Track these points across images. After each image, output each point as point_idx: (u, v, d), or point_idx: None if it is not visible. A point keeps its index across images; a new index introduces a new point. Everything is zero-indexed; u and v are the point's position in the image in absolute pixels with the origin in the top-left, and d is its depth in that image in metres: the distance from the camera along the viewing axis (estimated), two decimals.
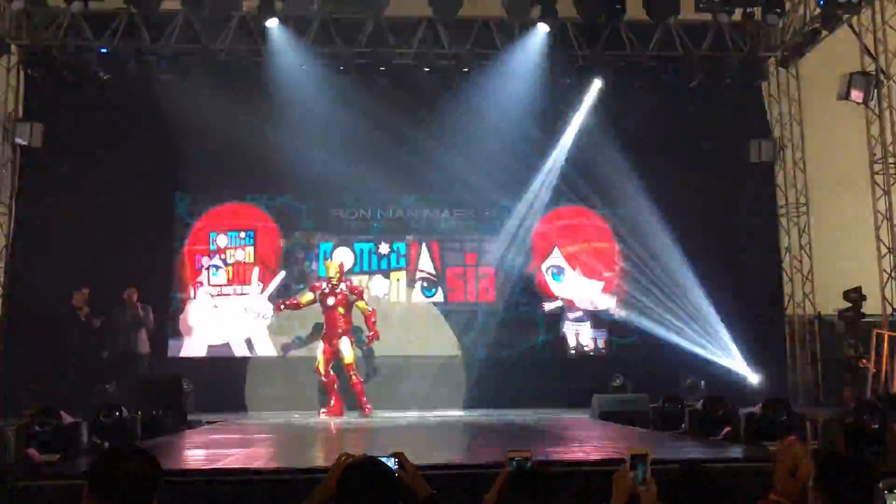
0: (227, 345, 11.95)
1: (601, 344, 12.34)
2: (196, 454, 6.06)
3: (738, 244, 12.35)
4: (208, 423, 8.96)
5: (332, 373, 10.54)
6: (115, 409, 7.01)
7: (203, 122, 11.53)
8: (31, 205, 12.06)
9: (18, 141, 11.75)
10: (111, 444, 2.11)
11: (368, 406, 10.41)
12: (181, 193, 12.27)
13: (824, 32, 11.51)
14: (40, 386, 10.77)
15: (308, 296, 10.98)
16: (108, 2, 11.13)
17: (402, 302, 12.27)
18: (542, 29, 11.56)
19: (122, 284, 11.02)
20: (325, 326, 10.68)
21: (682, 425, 7.87)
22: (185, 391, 8.71)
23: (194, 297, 12.05)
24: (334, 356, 10.49)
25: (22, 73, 12.13)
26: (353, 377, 10.43)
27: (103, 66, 11.75)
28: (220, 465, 4.94)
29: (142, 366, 10.62)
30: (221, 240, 12.24)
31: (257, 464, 5.11)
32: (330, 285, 10.65)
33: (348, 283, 10.88)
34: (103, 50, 11.64)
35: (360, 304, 10.70)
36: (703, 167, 11.99)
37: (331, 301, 10.55)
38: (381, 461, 2.75)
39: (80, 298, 10.84)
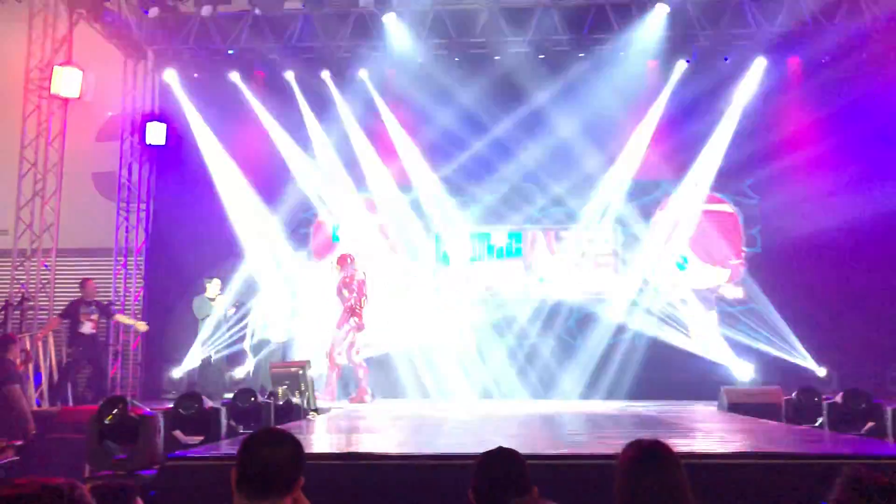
0: None
1: (726, 334, 11.90)
2: (330, 438, 6.27)
3: None
4: (335, 409, 9.26)
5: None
6: (251, 395, 7.35)
7: (325, 117, 12.05)
8: (162, 201, 12.80)
9: (151, 141, 12.46)
10: (258, 429, 2.20)
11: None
12: (308, 188, 12.61)
13: None
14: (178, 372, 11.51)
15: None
16: (234, 4, 11.60)
17: (518, 291, 12.24)
18: (662, 10, 11.22)
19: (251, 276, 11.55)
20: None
21: (819, 419, 7.49)
22: (311, 378, 8.99)
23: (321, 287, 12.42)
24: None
25: (157, 77, 12.85)
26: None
27: (230, 67, 12.29)
28: (354, 448, 5.08)
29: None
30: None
31: (395, 449, 5.23)
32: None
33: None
34: (230, 51, 12.15)
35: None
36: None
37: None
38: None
39: (214, 288, 11.38)
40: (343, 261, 10.59)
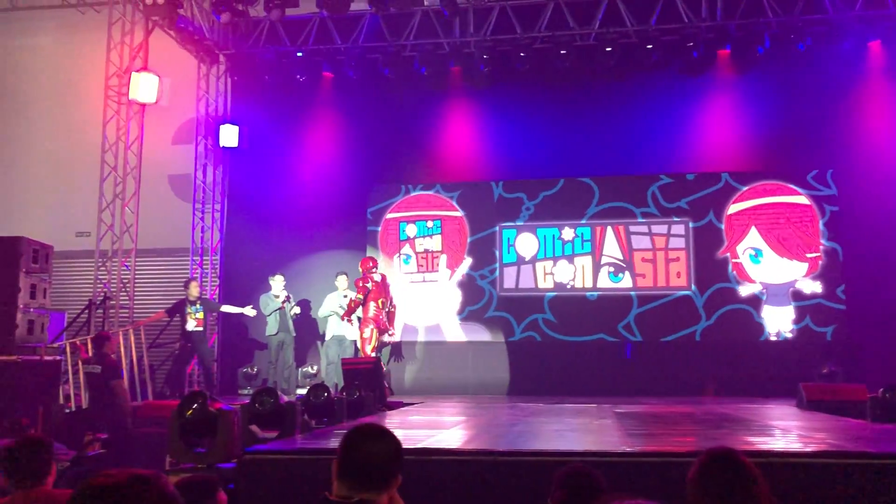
0: (421, 329, 12.37)
1: (803, 329, 11.55)
2: (403, 433, 6.33)
3: None
4: (407, 404, 9.33)
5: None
6: (324, 391, 7.48)
7: (391, 116, 12.25)
8: (235, 202, 13.14)
9: (224, 143, 12.80)
10: (358, 425, 2.24)
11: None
12: (375, 185, 12.78)
13: None
14: (251, 369, 11.81)
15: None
16: (302, 7, 11.82)
17: (588, 288, 12.13)
18: None
19: (321, 274, 11.76)
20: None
21: None
22: (384, 373, 9.11)
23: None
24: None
25: (229, 80, 13.19)
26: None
27: (299, 69, 12.52)
28: (425, 444, 5.11)
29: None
30: (410, 229, 12.67)
31: (464, 445, 5.25)
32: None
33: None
34: (299, 53, 12.38)
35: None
36: None
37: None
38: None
39: (278, 285, 11.61)
40: (365, 263, 11.11)
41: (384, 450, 2.38)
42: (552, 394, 10.74)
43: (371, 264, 11.10)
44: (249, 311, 11.43)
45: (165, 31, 12.03)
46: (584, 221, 12.19)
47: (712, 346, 11.54)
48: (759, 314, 11.62)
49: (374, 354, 10.66)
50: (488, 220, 12.44)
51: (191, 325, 10.96)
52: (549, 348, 11.84)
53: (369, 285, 10.95)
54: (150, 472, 1.59)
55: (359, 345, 10.97)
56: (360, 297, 10.91)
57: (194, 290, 11.16)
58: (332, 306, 11.50)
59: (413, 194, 12.71)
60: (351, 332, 11.36)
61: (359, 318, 11.05)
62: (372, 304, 10.97)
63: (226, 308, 11.66)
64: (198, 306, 11.05)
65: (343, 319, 11.14)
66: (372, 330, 10.83)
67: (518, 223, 12.35)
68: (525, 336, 12.03)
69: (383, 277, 11.24)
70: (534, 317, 12.06)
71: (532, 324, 12.06)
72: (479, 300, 12.26)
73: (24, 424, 6.52)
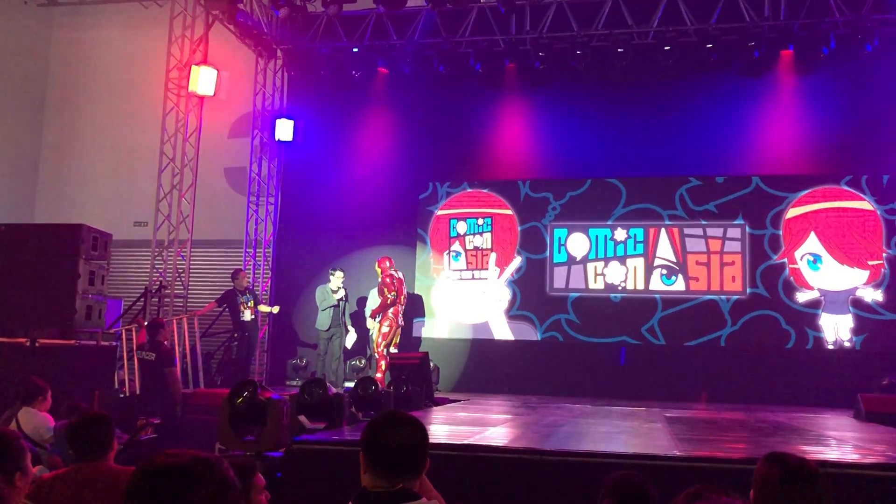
0: (469, 327, 12.35)
1: (862, 339, 11.20)
2: (449, 429, 6.32)
3: None
4: (453, 401, 9.33)
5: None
6: (372, 384, 7.51)
7: (444, 113, 12.27)
8: (289, 195, 13.29)
9: (280, 137, 12.96)
10: (381, 415, 2.22)
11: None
12: (426, 181, 12.80)
13: None
14: (301, 361, 11.95)
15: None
16: (359, 3, 11.89)
17: (640, 290, 11.96)
18: None
19: (371, 269, 11.81)
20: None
21: None
22: (432, 369, 9.11)
23: (437, 281, 12.57)
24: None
25: (285, 75, 13.34)
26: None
27: (355, 64, 12.60)
28: (471, 441, 5.09)
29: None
30: (461, 226, 12.65)
31: (510, 443, 5.22)
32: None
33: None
34: (354, 49, 12.46)
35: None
36: None
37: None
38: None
39: (337, 280, 11.71)
40: (382, 262, 11.16)
41: (413, 436, 2.36)
42: (607, 395, 10.62)
43: (388, 263, 11.21)
44: (275, 309, 11.78)
45: (225, 26, 12.22)
46: (637, 222, 12.02)
47: (765, 352, 11.27)
48: (817, 322, 11.31)
49: (385, 351, 10.78)
50: (539, 219, 12.34)
51: (247, 316, 11.16)
52: (602, 348, 11.71)
53: (394, 282, 11.03)
54: (213, 455, 1.61)
55: (376, 339, 10.99)
56: (393, 294, 10.96)
57: (243, 280, 11.31)
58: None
59: (464, 191, 12.69)
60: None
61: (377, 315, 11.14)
62: (396, 302, 11.08)
63: (261, 308, 11.79)
64: (248, 296, 11.23)
65: (373, 318, 11.17)
66: (391, 326, 10.95)
67: (570, 222, 12.23)
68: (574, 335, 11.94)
69: (402, 276, 11.34)
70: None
71: (581, 323, 11.95)
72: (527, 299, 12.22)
73: (81, 408, 6.67)
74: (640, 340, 11.71)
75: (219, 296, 11.57)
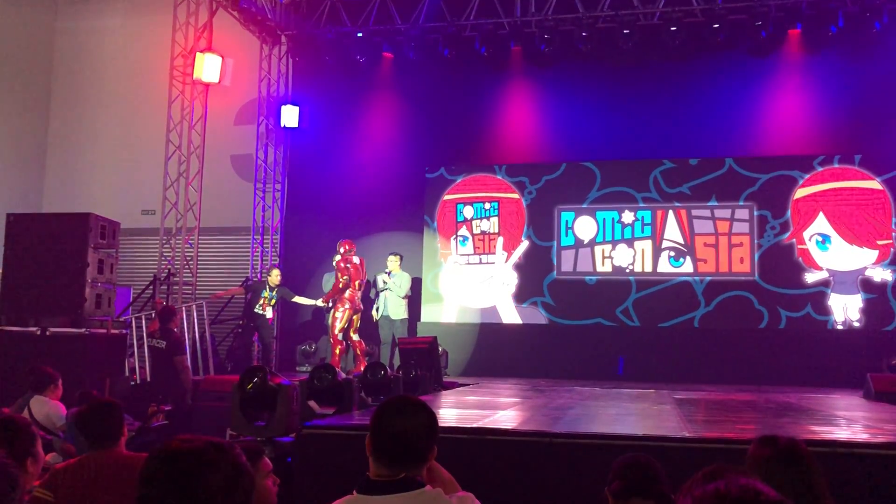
0: (477, 311, 12.37)
1: (871, 318, 11.16)
2: (458, 413, 6.35)
3: None
4: (462, 385, 9.35)
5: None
6: (381, 369, 7.53)
7: (450, 97, 12.22)
8: (296, 182, 13.30)
9: (286, 123, 12.95)
10: (389, 400, 2.21)
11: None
12: (433, 166, 12.77)
13: None
14: (308, 346, 11.98)
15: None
16: None
17: (648, 272, 11.93)
18: None
19: (378, 254, 11.83)
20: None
21: None
22: (441, 353, 9.13)
23: (444, 266, 12.57)
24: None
25: (290, 61, 13.31)
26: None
27: (359, 49, 12.56)
28: (480, 424, 5.11)
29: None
30: (468, 211, 12.64)
31: (520, 426, 5.23)
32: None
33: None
34: (359, 34, 12.41)
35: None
36: None
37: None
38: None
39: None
40: (342, 246, 10.97)
41: (420, 423, 2.30)
42: (617, 378, 10.62)
43: (348, 247, 10.97)
44: (320, 303, 11.52)
45: (229, 12, 12.19)
46: (645, 205, 11.98)
47: (774, 334, 11.26)
48: (825, 302, 11.28)
49: (341, 336, 10.69)
50: (545, 203, 12.30)
51: (269, 313, 11.07)
52: (611, 331, 11.70)
53: (349, 266, 10.85)
54: (226, 441, 1.62)
55: (331, 324, 10.85)
56: (346, 278, 10.79)
57: (276, 277, 11.19)
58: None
59: (471, 176, 12.66)
60: (396, 311, 11.35)
61: (332, 300, 10.99)
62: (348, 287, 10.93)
63: (298, 299, 11.65)
64: (275, 293, 11.16)
65: (325, 303, 11.11)
66: (345, 311, 10.74)
67: (576, 205, 12.20)
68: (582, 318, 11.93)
69: (361, 260, 11.12)
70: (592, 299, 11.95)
71: (590, 306, 11.94)
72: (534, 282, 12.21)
73: (93, 395, 6.72)
74: (686, 323, 11.61)
75: (245, 281, 11.57)
